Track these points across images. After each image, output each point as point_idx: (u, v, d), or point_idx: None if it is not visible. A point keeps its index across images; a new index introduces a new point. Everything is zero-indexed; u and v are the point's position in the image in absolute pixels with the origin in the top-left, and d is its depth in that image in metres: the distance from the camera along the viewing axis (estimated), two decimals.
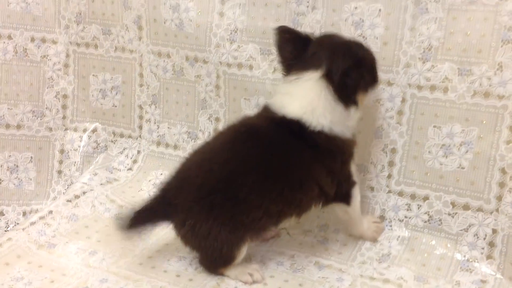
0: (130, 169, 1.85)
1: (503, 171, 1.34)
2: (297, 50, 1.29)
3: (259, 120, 1.34)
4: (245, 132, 1.31)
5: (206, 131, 1.74)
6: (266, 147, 1.26)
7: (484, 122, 1.36)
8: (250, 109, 1.65)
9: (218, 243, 1.28)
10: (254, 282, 1.34)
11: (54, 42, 1.83)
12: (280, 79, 1.42)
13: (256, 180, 1.25)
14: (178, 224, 1.33)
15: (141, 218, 1.34)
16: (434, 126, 1.42)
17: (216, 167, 1.27)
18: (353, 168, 1.38)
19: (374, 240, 1.46)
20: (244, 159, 1.26)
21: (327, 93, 1.25)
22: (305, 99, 1.26)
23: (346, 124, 1.30)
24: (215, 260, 1.33)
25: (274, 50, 1.53)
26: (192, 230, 1.29)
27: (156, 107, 1.81)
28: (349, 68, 1.23)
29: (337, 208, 1.41)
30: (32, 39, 1.79)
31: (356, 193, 1.40)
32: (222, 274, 1.36)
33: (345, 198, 1.38)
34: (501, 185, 1.35)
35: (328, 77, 1.24)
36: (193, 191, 1.28)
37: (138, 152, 1.87)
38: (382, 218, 1.50)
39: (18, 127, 1.79)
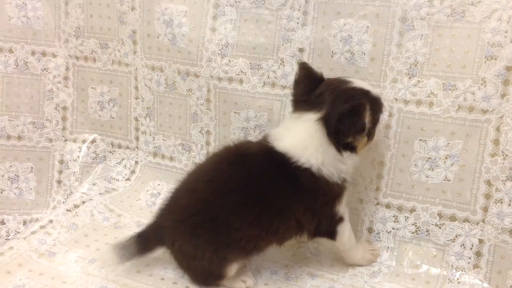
0: (128, 179, 1.87)
1: (488, 183, 1.36)
2: (309, 88, 1.30)
3: (253, 146, 1.37)
4: (234, 155, 1.34)
5: (198, 143, 1.75)
6: (251, 172, 1.28)
7: (469, 135, 1.38)
8: (239, 123, 1.66)
9: (205, 262, 1.30)
10: None
11: (54, 56, 1.85)
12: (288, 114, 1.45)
13: (235, 202, 1.26)
14: (169, 246, 1.37)
15: (139, 245, 1.37)
16: (420, 140, 1.44)
17: (200, 187, 1.31)
18: (341, 206, 1.36)
19: (370, 263, 1.47)
20: (227, 181, 1.28)
21: (321, 135, 1.26)
22: (300, 136, 1.28)
23: (337, 167, 1.29)
24: (206, 279, 1.36)
25: (264, 65, 1.59)
26: (180, 251, 1.34)
27: (150, 119, 1.83)
28: (343, 115, 1.23)
29: (324, 242, 1.43)
30: (33, 53, 1.81)
31: (343, 228, 1.38)
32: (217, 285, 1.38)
33: (328, 234, 1.38)
34: (487, 196, 1.37)
35: (325, 120, 1.25)
36: (179, 212, 1.32)
37: (136, 162, 1.88)
38: (370, 229, 1.51)
39: (19, 138, 1.81)
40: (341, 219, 1.37)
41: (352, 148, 1.28)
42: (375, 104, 1.30)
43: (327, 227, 1.36)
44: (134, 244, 1.38)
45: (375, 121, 1.31)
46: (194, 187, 1.32)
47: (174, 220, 1.33)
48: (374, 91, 1.32)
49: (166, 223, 1.35)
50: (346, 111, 1.22)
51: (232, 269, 1.33)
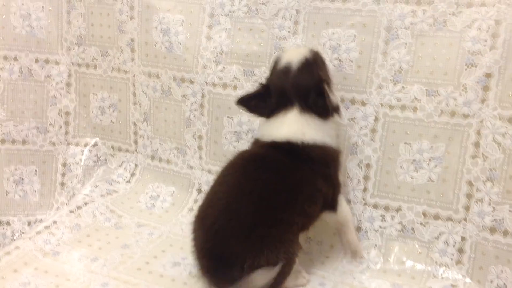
0: (128, 181, 1.90)
1: (469, 183, 1.42)
2: (262, 102, 1.40)
3: (255, 150, 1.42)
4: (251, 162, 1.37)
5: (192, 148, 1.79)
6: (276, 172, 1.33)
7: (451, 139, 1.43)
8: (232, 127, 1.70)
9: (280, 262, 1.30)
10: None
11: (57, 63, 1.88)
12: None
13: (281, 200, 1.31)
14: (238, 273, 1.28)
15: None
16: (405, 143, 1.49)
17: (244, 201, 1.30)
18: (341, 177, 1.45)
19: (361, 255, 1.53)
20: (263, 187, 1.31)
21: (309, 117, 1.36)
22: (294, 125, 1.36)
23: (329, 134, 1.39)
24: (280, 282, 1.34)
25: (257, 72, 1.64)
26: (252, 268, 1.27)
27: (148, 124, 1.85)
28: (315, 98, 1.35)
29: (327, 218, 1.46)
30: (36, 60, 1.84)
31: (341, 200, 1.45)
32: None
33: (331, 205, 1.44)
34: (468, 196, 1.42)
35: (304, 108, 1.36)
36: (240, 232, 1.28)
37: (136, 165, 1.91)
38: (358, 228, 1.55)
39: (23, 142, 1.83)
40: (340, 188, 1.45)
41: (330, 110, 1.37)
42: (317, 58, 1.42)
43: (334, 195, 1.42)
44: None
45: (325, 67, 1.44)
46: (234, 208, 1.29)
47: (240, 240, 1.27)
48: (305, 51, 1.41)
49: (230, 248, 1.28)
50: (314, 94, 1.36)
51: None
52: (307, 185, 1.35)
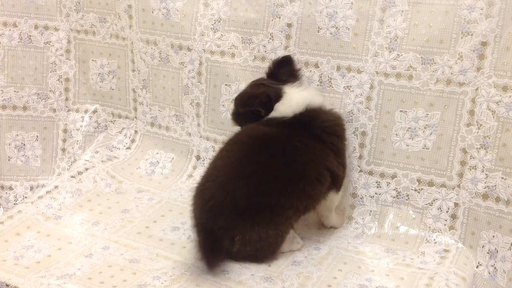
0: (128, 148, 1.92)
1: (464, 150, 1.43)
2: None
3: (266, 128, 1.41)
4: (257, 143, 1.38)
5: (190, 115, 1.80)
6: (281, 155, 1.34)
7: (446, 107, 1.44)
8: (230, 95, 1.71)
9: (270, 240, 1.35)
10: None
11: (56, 29, 1.88)
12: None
13: (283, 186, 1.33)
14: (229, 244, 1.34)
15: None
16: (401, 111, 1.50)
17: (241, 184, 1.32)
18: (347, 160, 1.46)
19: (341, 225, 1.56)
20: (263, 172, 1.33)
21: (308, 86, 1.46)
22: (305, 95, 1.43)
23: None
24: (273, 251, 1.40)
25: (255, 40, 1.64)
26: (244, 242, 1.33)
27: (147, 91, 1.86)
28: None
29: (328, 199, 1.46)
30: (36, 27, 1.84)
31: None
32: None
33: (338, 185, 1.46)
34: (462, 163, 1.44)
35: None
36: (233, 208, 1.32)
37: (136, 132, 1.92)
38: (354, 195, 1.58)
39: (24, 108, 1.85)
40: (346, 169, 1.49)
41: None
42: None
43: (342, 174, 1.45)
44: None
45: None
46: (234, 186, 1.32)
47: (231, 217, 1.32)
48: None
49: (217, 226, 1.33)
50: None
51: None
52: (316, 165, 1.37)
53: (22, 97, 1.85)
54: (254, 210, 1.32)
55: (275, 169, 1.32)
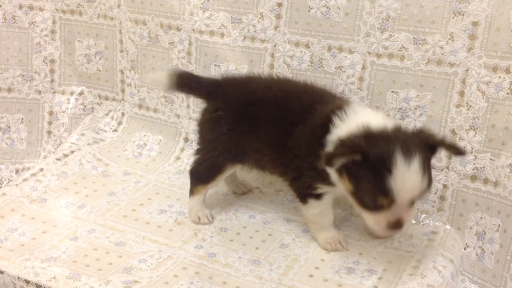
0: (115, 130, 1.90)
1: (453, 132, 1.43)
2: None
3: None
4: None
5: (179, 96, 1.78)
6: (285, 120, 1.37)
7: (437, 87, 1.44)
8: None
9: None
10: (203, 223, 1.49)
11: (41, 9, 1.85)
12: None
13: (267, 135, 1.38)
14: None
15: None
16: (392, 92, 1.49)
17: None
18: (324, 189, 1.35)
19: (324, 249, 1.41)
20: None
21: None
22: None
23: None
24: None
25: (245, 19, 1.62)
26: (205, 120, 1.50)
27: (135, 72, 1.85)
28: None
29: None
30: (20, 7, 1.81)
31: (312, 203, 1.36)
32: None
33: (301, 198, 1.39)
34: None
35: None
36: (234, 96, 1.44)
37: (122, 114, 1.91)
38: None
39: (9, 90, 1.84)
40: (314, 194, 1.36)
41: None
42: None
43: (303, 192, 1.37)
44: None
45: None
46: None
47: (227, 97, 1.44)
48: None
49: (218, 90, 1.46)
50: None
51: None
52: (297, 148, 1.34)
53: (7, 78, 1.83)
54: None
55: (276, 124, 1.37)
